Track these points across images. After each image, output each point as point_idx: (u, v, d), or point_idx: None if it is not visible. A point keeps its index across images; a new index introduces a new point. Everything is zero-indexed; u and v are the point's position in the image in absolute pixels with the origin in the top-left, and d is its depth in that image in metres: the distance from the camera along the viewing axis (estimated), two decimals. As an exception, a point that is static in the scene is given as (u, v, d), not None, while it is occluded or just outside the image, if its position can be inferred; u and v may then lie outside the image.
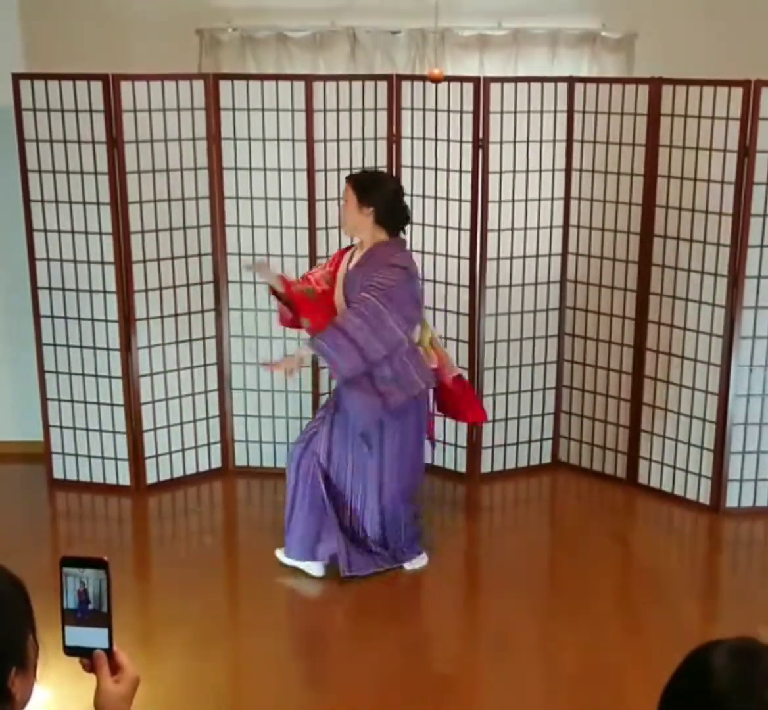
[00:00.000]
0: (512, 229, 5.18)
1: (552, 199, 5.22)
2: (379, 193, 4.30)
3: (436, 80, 4.34)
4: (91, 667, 1.66)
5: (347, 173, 5.10)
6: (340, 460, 4.39)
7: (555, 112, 5.11)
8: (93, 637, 1.65)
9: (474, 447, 5.41)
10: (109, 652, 1.66)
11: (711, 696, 1.34)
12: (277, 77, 5.11)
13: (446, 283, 5.25)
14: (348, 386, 4.26)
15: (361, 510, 4.43)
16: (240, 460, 5.53)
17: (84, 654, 1.67)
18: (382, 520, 4.44)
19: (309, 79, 5.03)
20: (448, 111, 5.06)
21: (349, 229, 4.41)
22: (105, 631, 1.65)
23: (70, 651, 1.66)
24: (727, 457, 5.01)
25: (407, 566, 4.55)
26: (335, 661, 4.09)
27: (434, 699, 3.71)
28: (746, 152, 4.68)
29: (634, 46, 5.37)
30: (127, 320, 5.12)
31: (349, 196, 4.30)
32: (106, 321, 5.12)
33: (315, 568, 4.49)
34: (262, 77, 5.12)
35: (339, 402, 4.40)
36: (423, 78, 4.99)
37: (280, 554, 4.56)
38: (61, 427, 5.31)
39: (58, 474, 5.37)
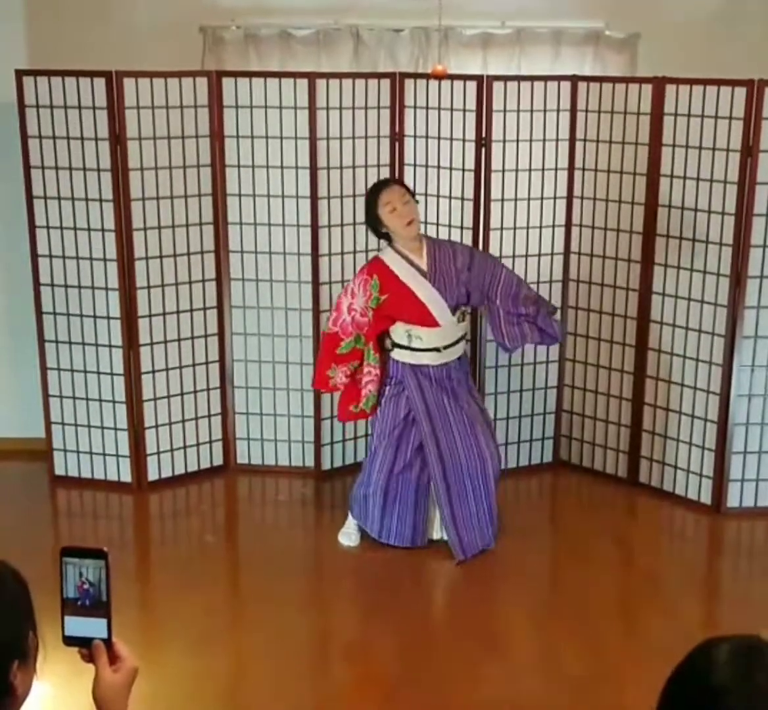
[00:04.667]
0: (515, 228, 5.18)
1: (555, 197, 5.22)
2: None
3: (439, 77, 4.34)
4: (89, 657, 1.67)
5: (350, 172, 5.15)
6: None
7: (558, 110, 5.11)
8: (92, 627, 1.66)
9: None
10: (107, 642, 1.67)
11: (711, 690, 1.35)
12: (280, 75, 5.11)
13: (448, 282, 5.25)
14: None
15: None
16: (242, 458, 5.53)
17: (83, 644, 1.67)
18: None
19: (312, 77, 5.03)
20: (452, 109, 5.06)
21: (417, 227, 4.51)
22: (104, 621, 1.66)
23: (69, 641, 1.67)
24: (728, 457, 5.01)
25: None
26: (335, 660, 4.10)
27: (433, 700, 3.70)
28: (749, 152, 4.68)
29: (637, 45, 5.37)
30: (129, 317, 5.12)
31: (408, 198, 4.46)
32: (109, 318, 5.12)
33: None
34: (266, 75, 5.11)
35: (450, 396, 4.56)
36: (426, 76, 4.99)
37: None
38: (63, 424, 5.32)
39: (59, 471, 5.37)
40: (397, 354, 4.57)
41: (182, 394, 5.32)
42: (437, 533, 4.69)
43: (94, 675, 1.66)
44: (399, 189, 4.49)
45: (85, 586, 1.64)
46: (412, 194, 4.54)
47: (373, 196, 4.49)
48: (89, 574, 1.64)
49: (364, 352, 4.56)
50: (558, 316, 4.81)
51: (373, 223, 4.51)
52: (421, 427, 4.54)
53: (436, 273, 4.51)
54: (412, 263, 4.53)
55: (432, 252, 4.54)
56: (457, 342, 4.60)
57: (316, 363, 4.75)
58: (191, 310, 5.25)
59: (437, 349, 4.53)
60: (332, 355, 4.56)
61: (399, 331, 4.55)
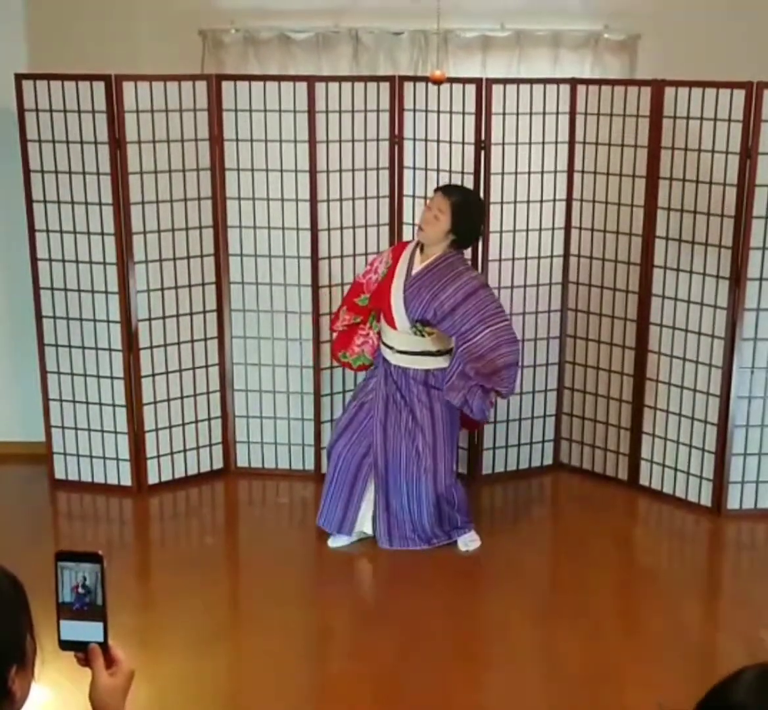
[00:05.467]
0: (514, 231, 5.18)
1: (554, 200, 5.22)
2: (469, 222, 4.55)
3: (437, 82, 4.34)
4: (85, 661, 1.67)
5: (349, 175, 5.15)
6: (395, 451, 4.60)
7: (557, 113, 5.11)
8: (88, 631, 1.65)
9: (475, 449, 5.42)
10: (104, 646, 1.67)
11: (730, 707, 1.40)
12: (279, 78, 5.12)
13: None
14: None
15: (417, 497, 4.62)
16: (242, 461, 5.53)
17: (79, 648, 1.67)
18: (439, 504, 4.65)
19: (311, 80, 5.04)
20: (451, 112, 5.06)
21: (429, 241, 4.53)
22: (100, 625, 1.65)
23: (65, 645, 1.66)
24: (728, 459, 5.01)
25: (462, 547, 4.74)
26: (335, 661, 4.10)
27: (434, 700, 3.70)
28: (748, 154, 4.68)
29: (636, 47, 5.37)
30: (128, 321, 5.12)
31: (442, 218, 4.45)
32: (108, 321, 5.12)
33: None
34: (265, 78, 5.12)
35: (409, 396, 4.57)
36: (425, 79, 4.98)
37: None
38: (63, 428, 5.32)
39: (59, 474, 5.37)
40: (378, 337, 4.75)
41: (182, 398, 5.32)
42: (369, 528, 4.73)
43: (90, 679, 1.66)
44: (443, 202, 4.45)
45: (81, 590, 1.64)
46: (458, 223, 4.46)
47: (435, 190, 4.63)
48: (85, 578, 1.64)
49: (369, 314, 4.74)
50: (490, 408, 4.56)
51: None
52: (374, 416, 4.63)
53: (415, 285, 4.52)
54: (411, 263, 4.58)
55: (432, 268, 4.51)
56: (415, 353, 4.58)
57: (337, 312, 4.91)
58: (191, 313, 5.25)
59: (391, 348, 4.63)
60: (350, 300, 4.78)
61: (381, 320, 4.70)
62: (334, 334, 4.91)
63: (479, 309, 4.41)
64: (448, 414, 4.59)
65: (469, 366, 4.36)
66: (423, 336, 4.58)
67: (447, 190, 4.55)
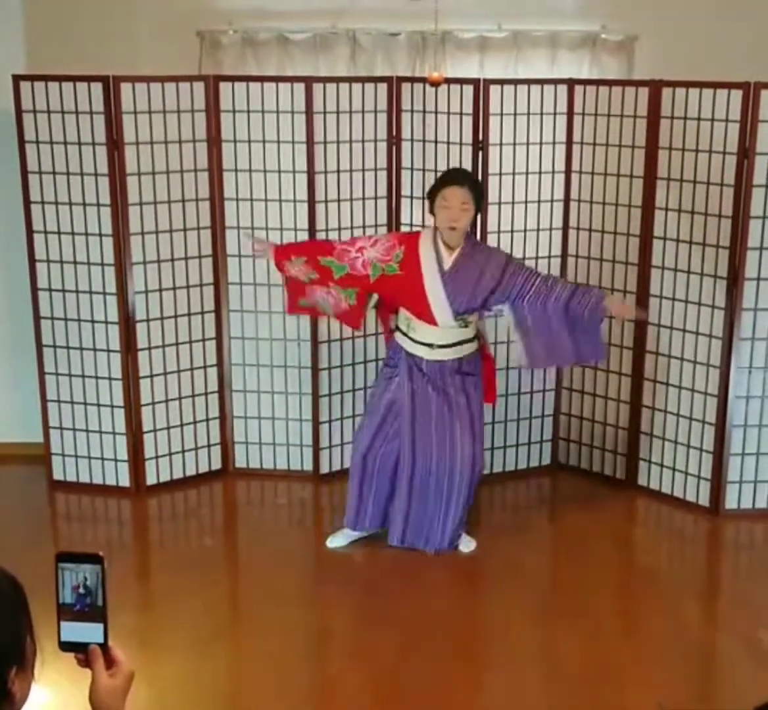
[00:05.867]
0: (512, 231, 5.18)
1: (552, 200, 5.23)
2: (481, 196, 4.60)
3: (435, 84, 4.34)
4: (86, 662, 1.67)
5: (347, 175, 5.15)
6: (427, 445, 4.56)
7: (555, 114, 5.11)
8: (88, 632, 1.66)
9: (474, 449, 5.41)
10: (104, 647, 1.67)
11: None
12: (277, 79, 5.12)
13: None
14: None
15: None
16: (240, 462, 5.53)
17: (79, 649, 1.67)
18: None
19: (309, 81, 5.04)
20: (448, 113, 5.06)
21: (461, 233, 4.44)
22: (100, 626, 1.66)
23: (66, 646, 1.67)
24: (726, 459, 5.01)
25: (463, 548, 4.73)
26: (335, 662, 4.10)
27: (434, 699, 3.70)
28: (746, 154, 4.69)
29: (634, 48, 5.37)
30: (127, 322, 5.12)
31: (468, 206, 4.38)
32: (106, 322, 5.12)
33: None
34: (263, 79, 5.12)
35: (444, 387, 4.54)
36: (423, 80, 4.98)
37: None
38: (61, 429, 5.32)
39: (58, 475, 5.37)
40: (398, 337, 4.59)
41: (180, 398, 5.32)
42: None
43: (90, 680, 1.66)
44: (464, 194, 4.36)
45: (81, 591, 1.64)
46: (478, 200, 4.47)
47: (441, 183, 4.43)
48: (85, 579, 1.64)
49: (335, 281, 4.52)
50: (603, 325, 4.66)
51: (431, 198, 4.48)
52: (403, 415, 4.56)
53: (456, 279, 4.43)
54: (439, 258, 4.45)
55: (462, 258, 4.44)
56: (454, 344, 4.53)
57: (293, 243, 4.78)
58: (189, 314, 5.25)
59: (430, 345, 4.51)
60: (311, 251, 4.55)
61: (402, 317, 4.57)
62: (282, 275, 4.68)
63: (518, 270, 4.47)
64: (478, 399, 4.63)
65: (549, 298, 4.42)
66: (466, 326, 4.54)
67: (459, 180, 4.41)
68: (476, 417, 4.62)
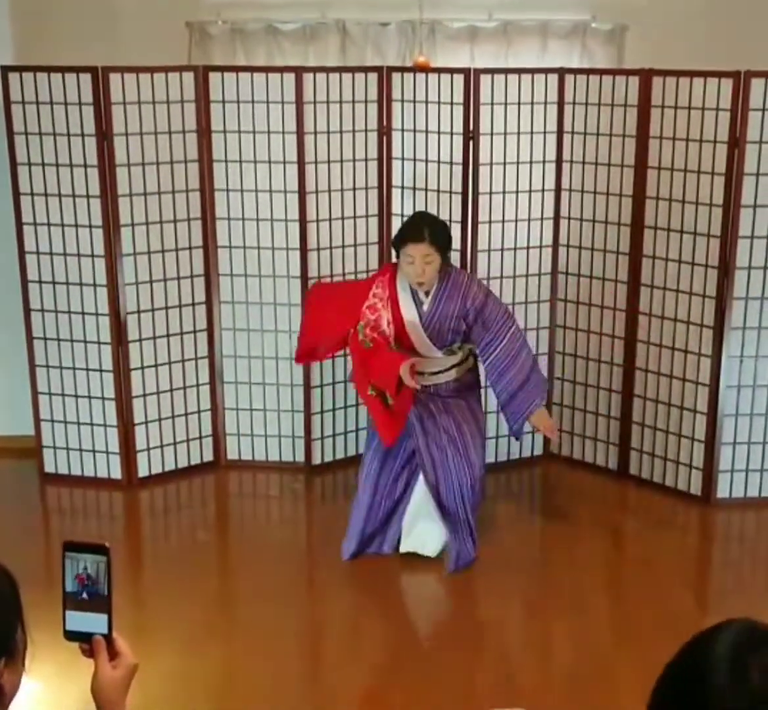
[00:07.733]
0: (503, 221, 5.18)
1: (543, 190, 5.22)
2: (447, 240, 4.40)
3: (423, 68, 4.34)
4: (90, 652, 1.67)
5: (338, 166, 5.14)
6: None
7: (545, 103, 5.10)
8: (92, 622, 1.67)
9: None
10: (108, 638, 1.67)
11: (706, 688, 1.30)
12: (267, 69, 5.10)
13: (437, 276, 5.24)
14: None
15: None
16: (232, 454, 5.53)
17: (83, 639, 1.68)
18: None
19: (299, 71, 5.02)
20: (439, 103, 5.05)
21: (430, 282, 4.35)
22: (104, 617, 1.67)
23: (70, 635, 1.68)
24: (718, 448, 5.02)
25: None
26: (328, 657, 4.10)
27: (429, 697, 3.69)
28: (736, 143, 4.68)
29: (624, 37, 5.38)
30: (117, 314, 5.11)
31: (433, 259, 4.27)
32: (97, 314, 5.11)
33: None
34: (252, 69, 5.10)
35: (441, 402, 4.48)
36: (413, 70, 4.98)
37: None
38: (53, 421, 5.31)
39: (49, 468, 5.36)
40: None
41: (172, 390, 5.31)
42: (404, 545, 4.57)
43: (93, 670, 1.66)
44: (424, 248, 4.24)
45: (86, 581, 1.65)
46: (443, 247, 4.34)
47: (400, 240, 4.32)
48: (90, 569, 1.65)
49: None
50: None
51: (396, 249, 4.38)
52: (415, 441, 4.44)
53: (434, 318, 4.39)
54: (415, 298, 4.40)
55: (441, 294, 4.39)
56: (447, 368, 4.49)
57: (357, 379, 4.44)
58: (180, 306, 5.24)
59: (421, 374, 4.40)
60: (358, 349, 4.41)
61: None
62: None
63: (495, 316, 4.41)
64: (476, 403, 4.61)
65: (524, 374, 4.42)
66: (455, 352, 4.51)
67: (415, 237, 4.27)
68: (478, 423, 4.58)
